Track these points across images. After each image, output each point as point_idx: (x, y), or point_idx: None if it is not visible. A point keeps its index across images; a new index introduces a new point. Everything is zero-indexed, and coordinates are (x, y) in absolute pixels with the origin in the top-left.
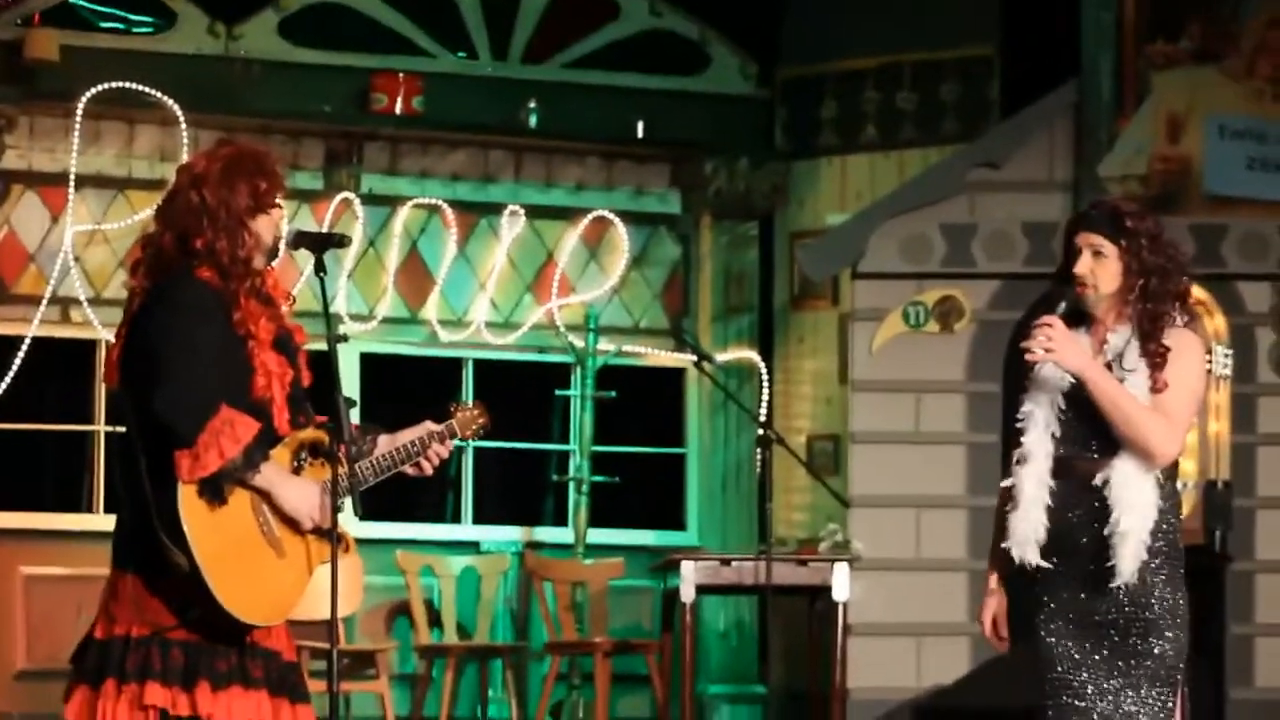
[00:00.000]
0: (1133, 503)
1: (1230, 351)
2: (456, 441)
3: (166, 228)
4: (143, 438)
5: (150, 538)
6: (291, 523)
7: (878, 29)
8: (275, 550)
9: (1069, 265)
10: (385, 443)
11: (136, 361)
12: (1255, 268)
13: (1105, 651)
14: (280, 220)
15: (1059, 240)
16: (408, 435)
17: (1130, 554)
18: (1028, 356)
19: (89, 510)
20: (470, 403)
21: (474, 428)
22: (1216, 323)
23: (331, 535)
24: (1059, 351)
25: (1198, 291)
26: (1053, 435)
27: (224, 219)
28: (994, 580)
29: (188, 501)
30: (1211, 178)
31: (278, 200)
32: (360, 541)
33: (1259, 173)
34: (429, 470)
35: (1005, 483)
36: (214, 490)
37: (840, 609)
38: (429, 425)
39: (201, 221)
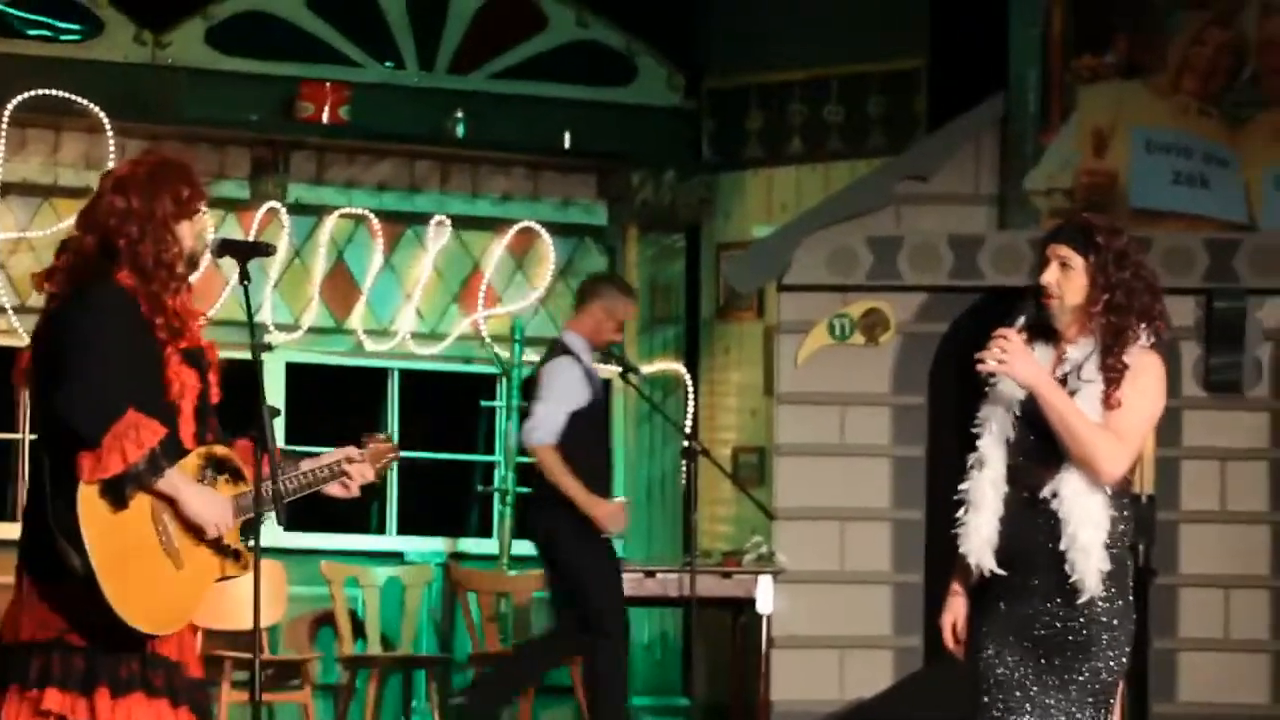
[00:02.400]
0: (1085, 516)
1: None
2: (378, 473)
3: (88, 232)
4: (46, 439)
5: (49, 540)
6: (193, 533)
7: (805, 41)
8: (173, 560)
9: (1038, 276)
10: (307, 464)
11: (45, 362)
12: (1180, 281)
13: (1042, 665)
14: (202, 230)
15: (985, 253)
16: (329, 459)
17: (1092, 567)
18: (979, 368)
19: (13, 519)
20: (381, 435)
21: (385, 460)
22: None
23: (255, 546)
24: (1011, 364)
25: None
26: (1006, 442)
27: (148, 222)
28: (957, 585)
29: (87, 503)
30: (1137, 192)
31: (200, 209)
32: (284, 552)
33: (1184, 187)
34: (355, 491)
35: (962, 487)
36: (115, 494)
37: (764, 621)
38: (350, 450)
39: (125, 224)
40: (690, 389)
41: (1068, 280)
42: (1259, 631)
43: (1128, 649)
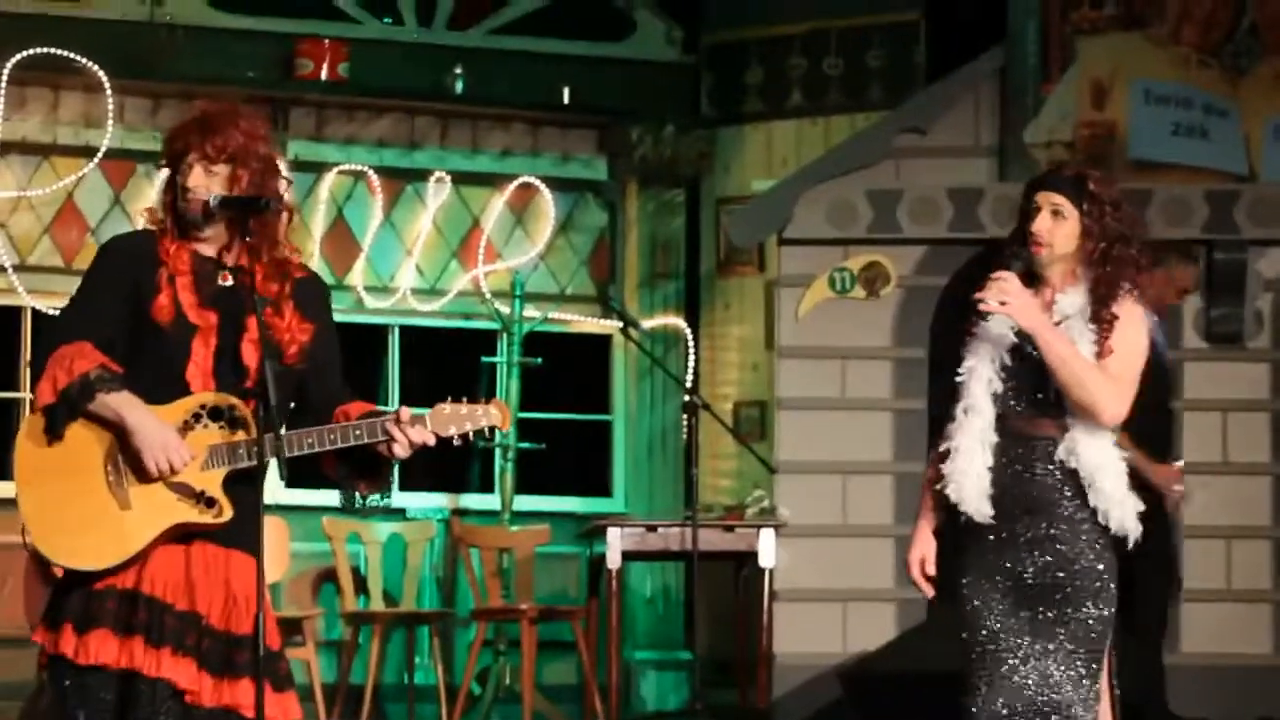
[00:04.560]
0: (1102, 464)
1: (1155, 317)
2: (446, 435)
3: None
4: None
5: None
6: (148, 480)
7: None
8: (116, 498)
9: (1025, 224)
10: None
11: None
12: (1179, 233)
13: (1031, 616)
14: (220, 178)
15: (985, 205)
16: (373, 420)
17: (1129, 512)
18: (981, 307)
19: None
20: (483, 400)
21: (464, 426)
22: None
23: (259, 498)
24: (1013, 305)
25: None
26: (994, 393)
27: (165, 171)
28: (925, 526)
29: (25, 433)
30: (1136, 143)
31: (191, 158)
32: (286, 509)
33: (1184, 138)
34: (398, 452)
35: (947, 439)
36: (51, 424)
37: (766, 575)
38: (402, 410)
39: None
40: (691, 344)
41: (1059, 229)
42: (1261, 582)
43: (1115, 599)
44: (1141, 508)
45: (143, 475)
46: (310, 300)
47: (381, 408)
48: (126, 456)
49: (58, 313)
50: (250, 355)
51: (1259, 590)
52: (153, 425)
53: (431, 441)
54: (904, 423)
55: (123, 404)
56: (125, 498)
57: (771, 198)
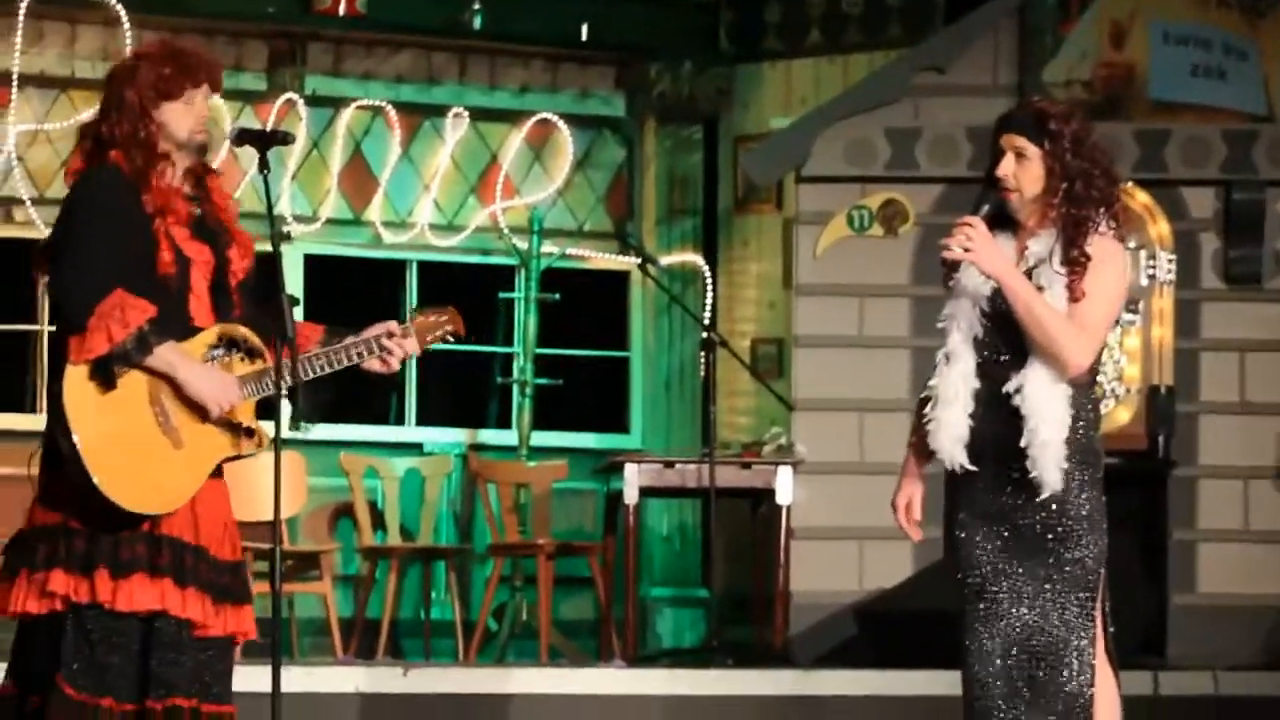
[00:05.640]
0: (1046, 412)
1: (1173, 257)
2: (425, 345)
3: (90, 124)
4: (54, 324)
5: (49, 425)
6: (196, 413)
7: None
8: (171, 440)
9: (994, 167)
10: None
11: (48, 249)
12: (1198, 173)
13: (1024, 557)
14: (200, 115)
15: None
16: (366, 334)
17: (1052, 464)
18: (945, 254)
19: (32, 410)
20: (443, 309)
21: (438, 333)
22: (1160, 228)
23: (276, 435)
24: (977, 252)
25: (1141, 196)
26: (975, 339)
27: (125, 105)
28: (911, 469)
29: (73, 384)
30: (1155, 83)
31: (185, 89)
32: (303, 443)
33: (1202, 79)
34: (393, 365)
35: (931, 382)
36: (103, 374)
37: (783, 512)
38: (390, 325)
39: (110, 111)
40: (709, 281)
41: (1024, 171)
42: (1278, 523)
43: (1105, 539)
44: (1066, 465)
45: (191, 415)
46: (237, 218)
47: (328, 326)
48: (173, 398)
49: (64, 251)
50: (234, 282)
51: (1276, 531)
52: (203, 373)
53: (418, 352)
54: (921, 361)
55: (173, 356)
56: (178, 437)
57: (790, 135)
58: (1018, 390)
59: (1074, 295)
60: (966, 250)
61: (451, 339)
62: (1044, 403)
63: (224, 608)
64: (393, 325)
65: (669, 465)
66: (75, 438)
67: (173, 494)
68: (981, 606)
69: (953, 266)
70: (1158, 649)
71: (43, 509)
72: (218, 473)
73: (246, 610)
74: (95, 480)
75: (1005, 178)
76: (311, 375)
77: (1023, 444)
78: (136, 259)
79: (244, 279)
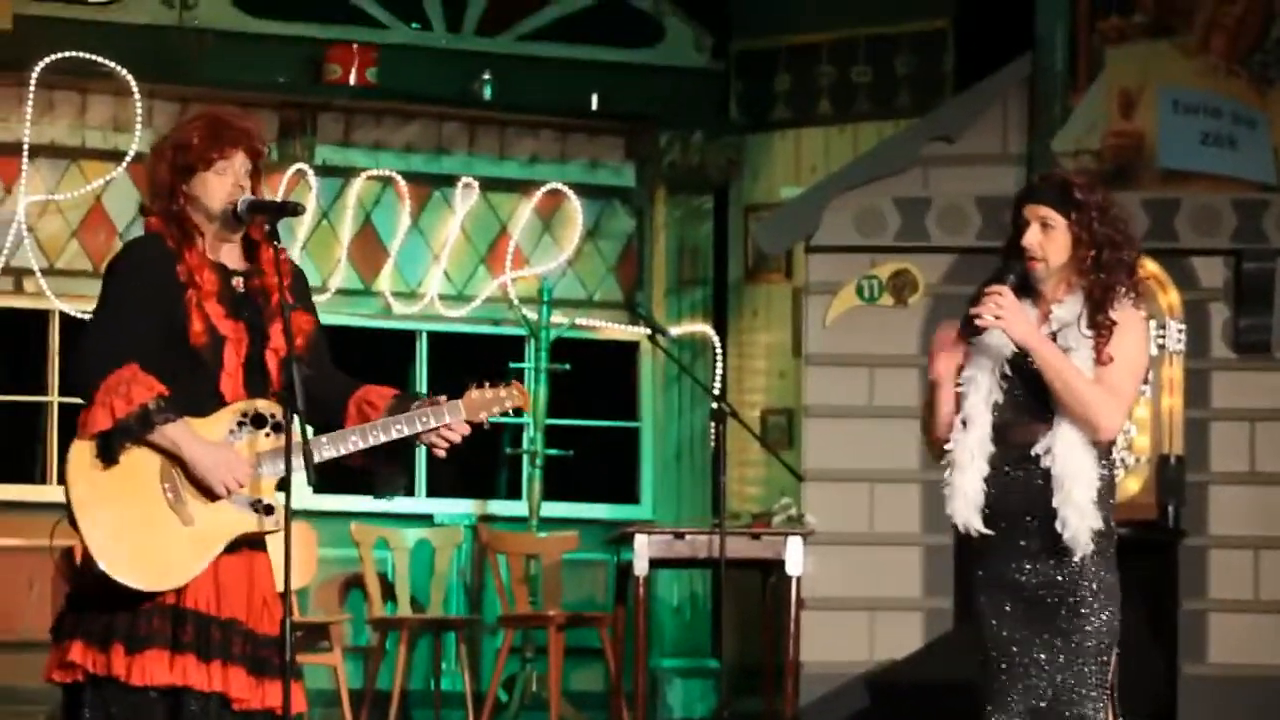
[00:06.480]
0: (1078, 473)
1: (1183, 326)
2: (480, 421)
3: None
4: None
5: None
6: (206, 492)
7: (832, 2)
8: (180, 517)
9: (1017, 238)
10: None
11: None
12: (1208, 242)
13: (1041, 626)
14: (237, 180)
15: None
16: (406, 415)
17: (1085, 525)
18: (977, 322)
19: (42, 481)
20: (503, 383)
21: (492, 410)
22: (1170, 297)
23: (286, 508)
24: (1008, 320)
25: (1150, 266)
26: (994, 403)
27: (159, 182)
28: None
29: (77, 459)
30: (1165, 152)
31: (215, 160)
32: (314, 514)
33: (1212, 148)
34: (440, 450)
35: (946, 447)
36: (105, 449)
37: (794, 583)
38: (441, 400)
39: (149, 186)
40: (718, 351)
41: (1050, 241)
42: None
43: (1117, 610)
44: (1100, 526)
45: (202, 493)
46: (302, 291)
47: (401, 392)
48: (184, 476)
49: (90, 323)
50: (272, 359)
51: None
52: (210, 453)
53: (468, 431)
54: None
55: (178, 434)
56: (187, 514)
57: (799, 205)
58: (1047, 451)
59: (1100, 359)
60: (997, 318)
61: (513, 414)
62: (1075, 462)
63: (264, 681)
64: (442, 399)
65: (679, 536)
66: (74, 510)
67: (175, 571)
68: (1003, 675)
69: (974, 331)
70: (1168, 719)
71: (71, 580)
72: (259, 546)
73: (278, 686)
74: (93, 554)
75: (1032, 247)
76: (342, 451)
77: (1054, 504)
78: (169, 329)
79: (291, 354)
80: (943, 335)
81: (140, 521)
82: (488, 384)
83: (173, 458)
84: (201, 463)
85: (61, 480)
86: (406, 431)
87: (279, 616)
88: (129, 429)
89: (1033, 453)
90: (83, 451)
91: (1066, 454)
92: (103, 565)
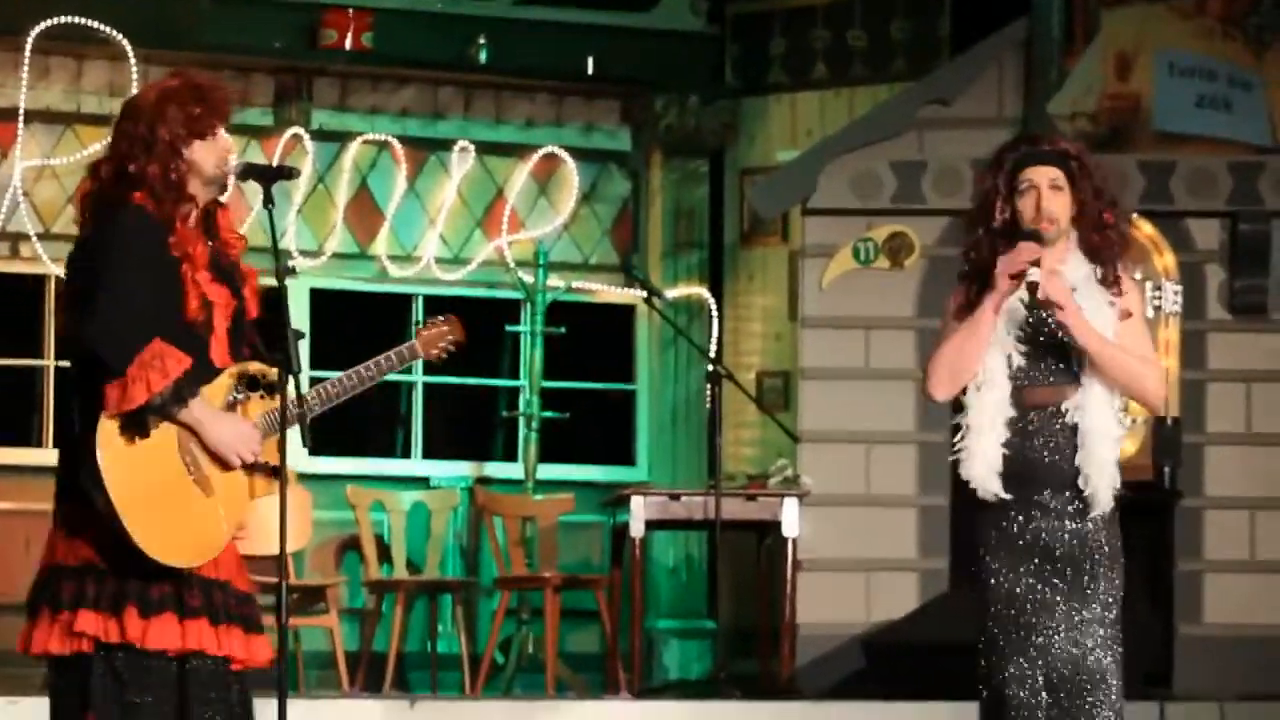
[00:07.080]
0: (1105, 432)
1: (1179, 288)
2: (432, 356)
3: (107, 159)
4: (76, 371)
5: (77, 471)
6: (219, 461)
7: None
8: (202, 488)
9: (1010, 199)
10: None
11: (73, 294)
12: (1204, 204)
13: (1055, 586)
14: (225, 150)
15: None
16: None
17: (1106, 484)
18: (1034, 290)
19: (37, 445)
20: (440, 318)
21: (441, 344)
22: (1166, 259)
23: (280, 470)
24: (1070, 314)
25: (1146, 228)
26: (1012, 363)
27: (156, 145)
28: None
29: (107, 436)
30: (1161, 115)
31: (216, 128)
32: (309, 477)
33: (1208, 110)
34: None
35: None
36: (138, 425)
37: (789, 544)
38: (399, 349)
39: (134, 148)
40: (714, 313)
41: (1059, 202)
42: None
43: (1122, 572)
44: (1119, 486)
45: (214, 460)
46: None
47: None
48: (200, 446)
49: (101, 294)
50: (244, 320)
51: None
52: (226, 427)
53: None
54: None
55: (200, 410)
56: (207, 483)
57: (795, 168)
58: (1078, 408)
59: (1121, 315)
60: (1065, 319)
61: (454, 348)
62: (1103, 421)
63: (252, 638)
64: (400, 349)
65: (675, 498)
66: (109, 491)
67: (209, 544)
68: (1016, 634)
69: (987, 285)
70: (1164, 680)
71: (67, 546)
72: None
73: (265, 639)
74: (136, 540)
75: (1051, 210)
76: (328, 403)
77: (1077, 463)
78: (166, 305)
79: (287, 318)
80: (1014, 262)
81: (172, 496)
82: (430, 321)
83: (185, 427)
84: (217, 436)
85: (80, 451)
86: (379, 377)
87: (248, 574)
88: (164, 404)
89: (1061, 409)
90: (113, 427)
91: (1096, 412)
92: (144, 547)
